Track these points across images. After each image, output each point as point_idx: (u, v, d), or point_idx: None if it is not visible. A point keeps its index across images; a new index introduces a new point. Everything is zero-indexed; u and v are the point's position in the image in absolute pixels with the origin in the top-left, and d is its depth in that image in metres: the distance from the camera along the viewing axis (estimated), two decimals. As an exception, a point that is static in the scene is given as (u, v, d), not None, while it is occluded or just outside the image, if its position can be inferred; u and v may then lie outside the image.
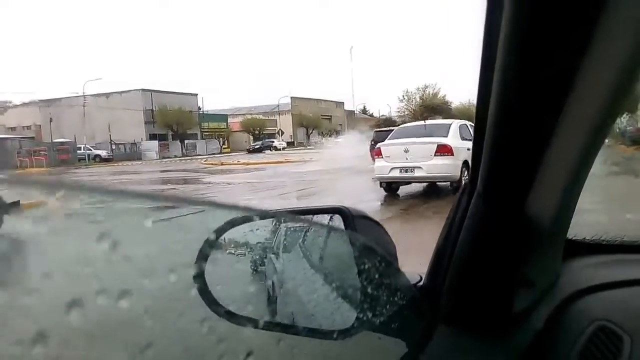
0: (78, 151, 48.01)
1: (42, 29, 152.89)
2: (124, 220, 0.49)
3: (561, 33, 0.52)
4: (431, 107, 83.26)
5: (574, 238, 0.97)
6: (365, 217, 0.91)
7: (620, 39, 0.51)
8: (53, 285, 0.46)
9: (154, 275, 0.60)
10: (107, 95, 58.36)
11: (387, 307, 0.76)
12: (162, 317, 0.68)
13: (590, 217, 0.94)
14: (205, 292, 0.84)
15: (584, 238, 1.00)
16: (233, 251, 1.02)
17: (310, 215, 1.10)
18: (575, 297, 0.83)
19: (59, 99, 58.89)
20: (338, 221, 0.92)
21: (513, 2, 0.52)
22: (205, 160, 40.28)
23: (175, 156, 53.38)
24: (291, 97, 75.22)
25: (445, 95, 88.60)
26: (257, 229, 1.05)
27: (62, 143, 47.99)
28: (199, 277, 0.81)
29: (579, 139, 0.63)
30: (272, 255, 1.20)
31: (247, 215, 0.91)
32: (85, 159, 47.12)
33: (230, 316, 0.88)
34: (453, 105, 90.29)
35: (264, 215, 0.93)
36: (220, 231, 0.87)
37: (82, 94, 55.44)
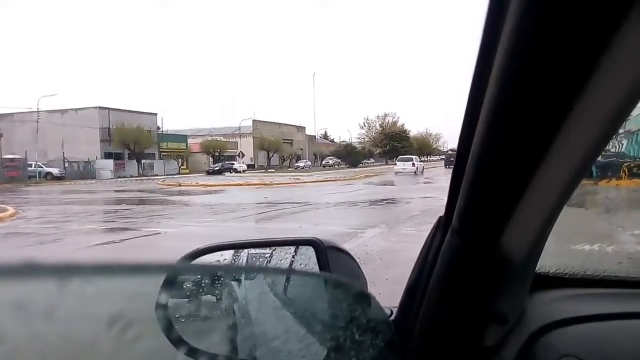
0: (29, 168, 46.18)
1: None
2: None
3: (553, 80, 0.52)
4: (390, 135, 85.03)
5: (539, 271, 0.98)
6: (338, 249, 0.89)
7: (614, 84, 0.51)
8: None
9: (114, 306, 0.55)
10: (62, 111, 56.66)
11: (360, 343, 0.74)
12: (120, 347, 0.63)
13: (553, 250, 0.96)
14: (167, 326, 0.79)
15: (548, 271, 1.01)
16: (195, 282, 0.98)
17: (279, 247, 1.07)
18: (543, 331, 0.84)
19: (11, 114, 56.80)
20: (310, 252, 0.89)
21: (509, 45, 0.52)
22: (162, 181, 39.55)
23: (132, 176, 52.15)
24: (253, 120, 75.16)
25: (403, 124, 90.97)
26: (224, 258, 1.01)
27: (11, 159, 46.06)
28: (162, 309, 0.77)
29: (558, 178, 0.64)
30: (234, 283, 1.16)
31: (212, 246, 0.87)
32: (36, 177, 45.34)
33: (191, 351, 0.83)
34: (411, 134, 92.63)
35: (230, 246, 0.89)
36: (184, 260, 0.83)
37: (35, 110, 53.65)
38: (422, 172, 41.26)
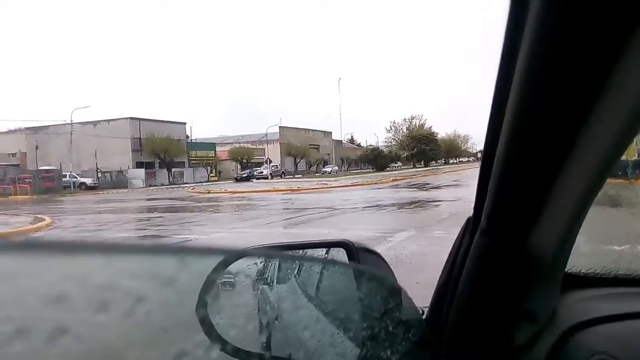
0: (63, 179, 47.54)
1: (30, 56, 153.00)
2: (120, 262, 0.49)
3: (573, 83, 0.54)
4: (418, 138, 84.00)
5: (570, 271, 0.98)
6: (369, 251, 0.91)
7: (627, 90, 0.52)
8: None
9: (158, 309, 0.59)
10: (94, 123, 58.05)
11: (394, 336, 0.76)
12: (161, 347, 0.67)
13: (585, 249, 0.96)
14: (207, 325, 0.83)
15: (580, 271, 1.01)
16: (232, 284, 1.02)
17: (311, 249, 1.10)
18: (575, 330, 0.84)
19: (46, 127, 58.47)
20: (342, 254, 0.92)
21: (531, 46, 0.53)
22: (192, 189, 40.08)
23: (162, 184, 53.03)
24: (280, 127, 75.55)
25: (431, 127, 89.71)
26: (255, 263, 1.05)
27: (47, 171, 47.53)
28: (202, 310, 0.80)
29: (584, 177, 0.65)
30: (266, 287, 1.19)
31: (247, 250, 0.90)
32: (70, 187, 46.58)
33: (232, 350, 0.87)
34: (439, 136, 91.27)
35: (266, 249, 0.92)
36: (224, 263, 0.87)
37: (69, 122, 55.14)
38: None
